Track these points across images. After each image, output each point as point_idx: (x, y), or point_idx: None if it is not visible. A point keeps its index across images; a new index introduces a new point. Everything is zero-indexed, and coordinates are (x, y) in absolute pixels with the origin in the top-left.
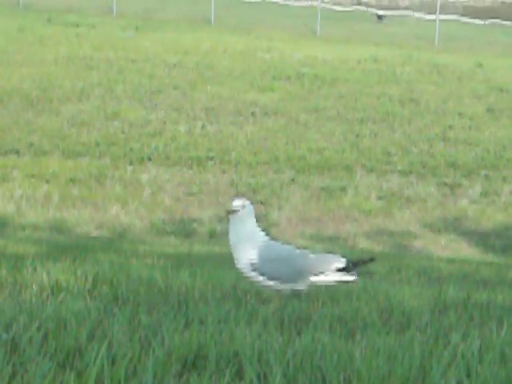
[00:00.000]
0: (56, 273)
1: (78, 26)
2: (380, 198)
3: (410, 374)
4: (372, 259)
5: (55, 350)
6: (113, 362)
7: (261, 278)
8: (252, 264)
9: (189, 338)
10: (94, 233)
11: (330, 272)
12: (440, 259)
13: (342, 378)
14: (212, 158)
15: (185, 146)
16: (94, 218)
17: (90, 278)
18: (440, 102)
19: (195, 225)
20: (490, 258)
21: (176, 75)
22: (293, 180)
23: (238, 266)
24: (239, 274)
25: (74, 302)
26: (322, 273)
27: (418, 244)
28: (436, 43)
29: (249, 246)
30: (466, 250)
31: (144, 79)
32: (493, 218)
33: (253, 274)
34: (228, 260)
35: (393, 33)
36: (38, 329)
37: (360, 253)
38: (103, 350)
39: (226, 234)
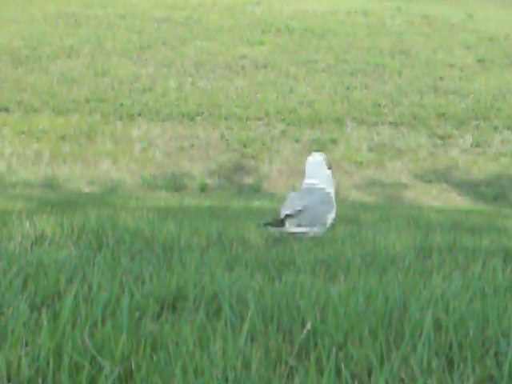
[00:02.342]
0: (42, 225)
1: None
2: (371, 150)
3: (387, 309)
4: None
5: (34, 293)
6: (91, 305)
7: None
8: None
9: (168, 280)
10: (86, 189)
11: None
12: (430, 209)
13: (318, 315)
14: (202, 113)
15: (175, 102)
16: (84, 175)
17: (76, 229)
18: (430, 53)
19: (186, 179)
20: (481, 206)
21: (165, 31)
22: (283, 133)
23: None
24: (225, 224)
25: (58, 250)
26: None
27: (409, 195)
28: None
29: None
30: (457, 200)
31: (133, 35)
32: (484, 167)
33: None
34: (218, 212)
35: None
36: (18, 273)
37: (351, 204)
38: (81, 291)
39: (217, 187)
